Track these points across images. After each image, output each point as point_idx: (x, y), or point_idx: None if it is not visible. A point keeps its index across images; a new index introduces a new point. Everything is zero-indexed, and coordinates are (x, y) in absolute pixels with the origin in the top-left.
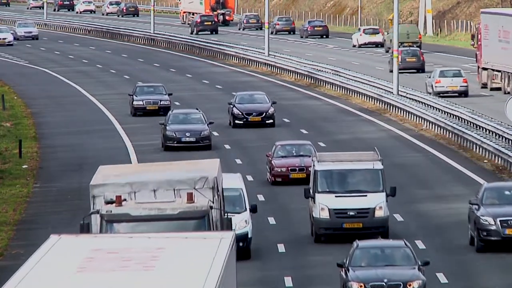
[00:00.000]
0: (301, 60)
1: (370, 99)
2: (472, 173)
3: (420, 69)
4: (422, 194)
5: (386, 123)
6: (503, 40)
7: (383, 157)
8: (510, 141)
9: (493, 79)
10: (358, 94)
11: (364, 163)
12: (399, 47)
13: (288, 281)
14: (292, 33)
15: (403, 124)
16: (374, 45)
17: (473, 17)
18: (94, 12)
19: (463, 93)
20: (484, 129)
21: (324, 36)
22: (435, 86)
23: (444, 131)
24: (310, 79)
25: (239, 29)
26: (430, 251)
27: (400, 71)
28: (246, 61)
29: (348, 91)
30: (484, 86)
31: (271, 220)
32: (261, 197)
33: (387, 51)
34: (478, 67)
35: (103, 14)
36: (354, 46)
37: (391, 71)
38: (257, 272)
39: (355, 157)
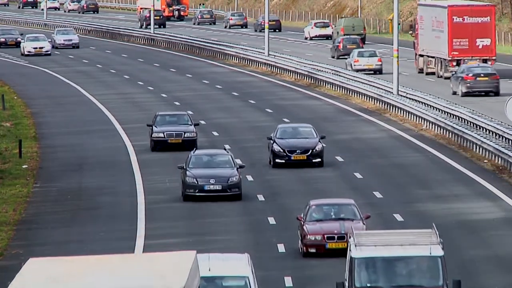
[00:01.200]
0: (301, 60)
1: (370, 99)
2: (472, 173)
3: (333, 39)
4: (422, 194)
5: (386, 123)
6: (437, 30)
7: (383, 157)
8: (510, 141)
9: (428, 65)
10: (358, 94)
11: (419, 247)
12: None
13: (288, 281)
14: (244, 27)
15: (403, 124)
16: (324, 38)
17: None
18: (59, 9)
19: (378, 71)
20: (484, 129)
21: (277, 30)
22: (354, 65)
23: (444, 131)
24: (310, 79)
25: (194, 23)
26: None
27: (341, 56)
28: (246, 61)
29: (348, 91)
30: (421, 71)
31: (271, 220)
32: (261, 197)
33: (334, 42)
34: (416, 54)
35: (65, 11)
36: (306, 38)
37: (333, 57)
38: (257, 272)
39: (407, 238)
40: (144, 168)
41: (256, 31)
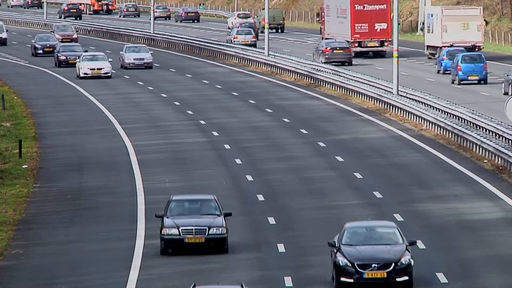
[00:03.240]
0: (301, 60)
1: (370, 99)
2: (472, 173)
3: (257, 29)
4: (422, 194)
5: (386, 123)
6: (341, 16)
7: (383, 157)
8: (510, 141)
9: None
10: (358, 94)
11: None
12: (269, 27)
13: (288, 281)
14: (168, 19)
15: (403, 124)
16: None
17: None
18: (0, 5)
19: (253, 45)
20: (484, 129)
21: (196, 21)
22: (234, 41)
23: (444, 131)
24: (310, 79)
25: (120, 16)
26: (430, 251)
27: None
28: (246, 61)
29: (348, 91)
30: None
31: (271, 220)
32: (261, 197)
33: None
34: (322, 38)
35: (8, 7)
36: (229, 28)
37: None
38: (257, 272)
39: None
40: (144, 168)
41: (176, 21)
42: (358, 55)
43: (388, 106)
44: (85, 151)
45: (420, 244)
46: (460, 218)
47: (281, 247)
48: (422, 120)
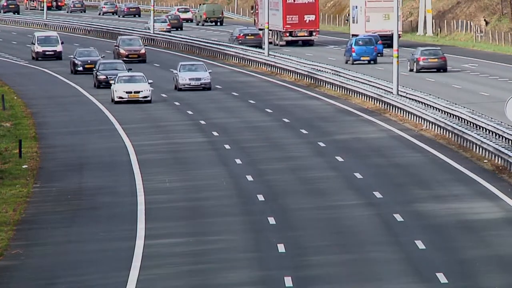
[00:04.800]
0: (301, 60)
1: (370, 99)
2: (472, 173)
3: (198, 22)
4: (422, 194)
5: (386, 123)
6: (273, 9)
7: (383, 157)
8: (510, 141)
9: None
10: (358, 94)
11: None
12: (207, 21)
13: (288, 281)
14: (115, 14)
15: (403, 124)
16: (185, 21)
17: (473, 17)
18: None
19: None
20: (484, 129)
21: (137, 16)
22: (149, 27)
23: (444, 131)
24: (310, 79)
25: (67, 12)
26: (430, 251)
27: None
28: (246, 61)
29: (348, 91)
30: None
31: (271, 220)
32: (261, 197)
33: (197, 24)
34: (256, 28)
35: None
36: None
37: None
38: (257, 272)
39: None
40: (144, 168)
41: (119, 16)
42: (289, 43)
43: (388, 106)
44: (85, 151)
45: (420, 244)
46: (460, 218)
47: (281, 247)
48: (422, 120)
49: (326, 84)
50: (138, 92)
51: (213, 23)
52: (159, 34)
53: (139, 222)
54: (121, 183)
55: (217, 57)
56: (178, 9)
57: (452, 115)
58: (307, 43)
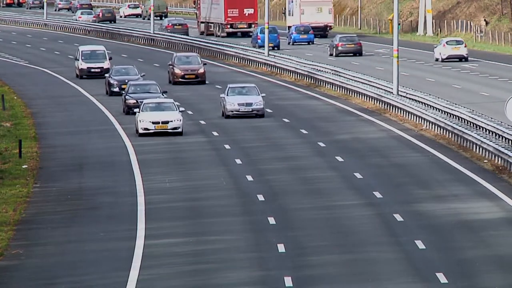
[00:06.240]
0: (301, 60)
1: (370, 99)
2: (472, 173)
3: (145, 16)
4: (422, 194)
5: (386, 123)
6: (215, 3)
7: (383, 157)
8: (510, 141)
9: (209, 29)
10: (358, 94)
11: None
12: (155, 15)
13: (288, 281)
14: (70, 10)
15: (403, 124)
16: (135, 16)
17: (473, 17)
18: None
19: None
20: (484, 129)
21: (70, 10)
22: (78, 19)
23: (444, 131)
24: (310, 79)
25: (27, 8)
26: (430, 251)
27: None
28: (246, 61)
29: (348, 91)
30: (202, 33)
31: (271, 220)
32: (261, 197)
33: (144, 18)
34: (198, 21)
35: None
36: (121, 17)
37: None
38: (257, 272)
39: None
40: (144, 168)
41: (56, 10)
42: (230, 35)
43: (388, 106)
44: (85, 151)
45: (420, 244)
46: (460, 218)
47: (281, 247)
48: (422, 120)
49: (326, 84)
50: (167, 122)
51: (158, 17)
52: (159, 34)
53: (139, 222)
54: (121, 183)
55: (217, 57)
56: (128, 5)
57: (452, 115)
58: (246, 34)
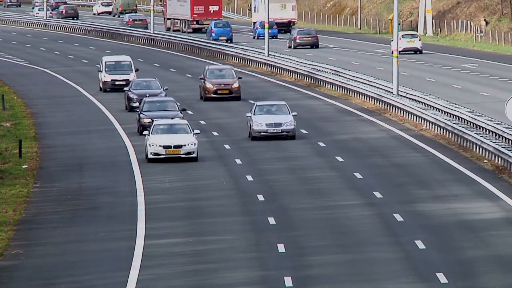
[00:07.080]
0: (301, 60)
1: (370, 99)
2: (472, 173)
3: (115, 14)
4: (422, 194)
5: (386, 123)
6: (181, 0)
7: (383, 157)
8: (510, 141)
9: (175, 25)
10: (358, 94)
11: None
12: (123, 12)
13: (288, 281)
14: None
15: (403, 124)
16: (107, 13)
17: (473, 17)
18: None
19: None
20: (484, 129)
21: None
22: (36, 15)
23: (444, 131)
24: (310, 79)
25: (4, 6)
26: (430, 251)
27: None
28: (246, 61)
29: (348, 91)
30: (168, 29)
31: (271, 220)
32: (261, 197)
33: (114, 16)
34: (164, 18)
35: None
36: (94, 14)
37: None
38: (257, 272)
39: None
40: (144, 168)
41: (33, 9)
42: (196, 30)
43: (388, 106)
44: (85, 151)
45: (420, 244)
46: (460, 218)
47: (281, 247)
48: (422, 120)
49: (326, 84)
50: (180, 146)
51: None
52: (159, 34)
53: (139, 222)
54: (121, 183)
55: (217, 57)
56: (101, 3)
57: (452, 115)
58: None
